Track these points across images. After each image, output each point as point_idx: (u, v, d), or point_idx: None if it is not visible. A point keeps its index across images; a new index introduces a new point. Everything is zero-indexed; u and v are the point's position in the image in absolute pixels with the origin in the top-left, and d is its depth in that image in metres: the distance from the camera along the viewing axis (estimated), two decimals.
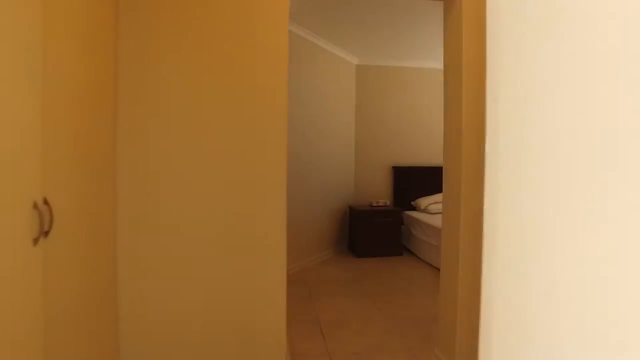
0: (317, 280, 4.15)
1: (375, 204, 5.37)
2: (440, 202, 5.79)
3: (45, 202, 1.17)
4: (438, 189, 6.04)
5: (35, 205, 1.11)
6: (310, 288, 3.88)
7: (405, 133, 5.84)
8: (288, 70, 2.09)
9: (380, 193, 5.83)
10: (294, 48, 3.99)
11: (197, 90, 2.00)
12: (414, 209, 5.77)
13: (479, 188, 1.38)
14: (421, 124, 5.86)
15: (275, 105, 2.07)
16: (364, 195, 5.78)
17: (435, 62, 5.63)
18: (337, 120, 5.20)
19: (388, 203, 5.43)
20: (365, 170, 5.77)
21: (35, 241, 1.11)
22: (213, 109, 2.02)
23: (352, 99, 5.56)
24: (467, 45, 2.11)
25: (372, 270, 4.51)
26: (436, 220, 4.83)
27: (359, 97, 5.69)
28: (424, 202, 5.45)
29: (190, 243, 2.02)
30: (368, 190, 5.79)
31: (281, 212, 2.09)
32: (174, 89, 1.98)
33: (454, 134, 2.26)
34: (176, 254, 2.01)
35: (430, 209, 5.35)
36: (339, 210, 5.36)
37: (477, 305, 0.92)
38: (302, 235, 4.50)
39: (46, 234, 1.17)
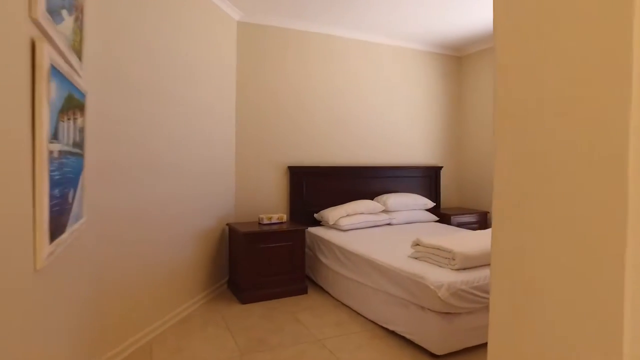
0: None
1: (265, 221, 3.69)
2: (359, 214, 4.32)
3: None
4: (353, 196, 4.64)
5: None
6: None
7: (308, 122, 4.29)
8: None
9: (273, 204, 4.17)
10: None
11: None
12: (319, 224, 4.24)
13: None
14: (331, 108, 4.39)
15: None
16: (249, 208, 4.06)
17: (355, 31, 4.23)
18: (208, 101, 3.39)
19: (284, 218, 3.80)
20: (251, 171, 4.06)
21: None
22: None
23: (232, 71, 3.82)
24: None
25: (263, 331, 2.81)
26: (353, 242, 3.34)
27: (242, 69, 3.97)
28: (333, 214, 3.95)
29: None
30: (255, 200, 4.09)
31: None
32: None
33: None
34: None
35: (342, 225, 3.86)
36: (211, 231, 3.55)
37: None
38: (144, 281, 2.60)
39: None
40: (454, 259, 2.50)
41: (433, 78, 5.05)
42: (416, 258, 2.80)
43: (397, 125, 4.83)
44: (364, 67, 4.59)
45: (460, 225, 4.58)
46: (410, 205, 4.45)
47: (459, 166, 5.31)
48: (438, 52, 5.06)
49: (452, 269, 2.50)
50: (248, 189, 4.04)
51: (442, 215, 4.63)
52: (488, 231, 3.07)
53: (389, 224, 4.25)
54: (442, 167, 5.02)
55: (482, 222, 4.75)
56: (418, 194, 4.84)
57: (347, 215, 3.99)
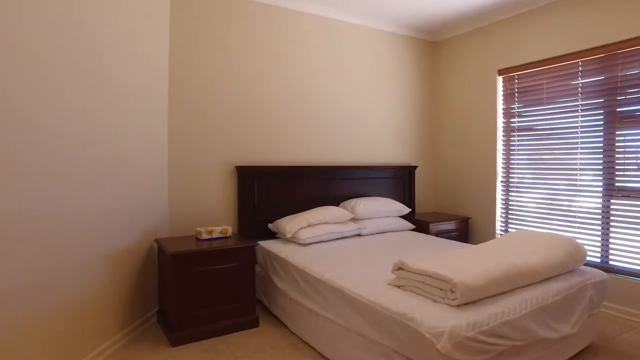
0: None
1: (205, 235, 2.90)
2: (324, 224, 3.31)
3: None
4: (316, 201, 3.78)
5: None
6: None
7: (261, 113, 3.54)
8: None
9: (216, 213, 3.38)
10: None
11: None
12: (274, 236, 3.49)
13: None
14: (288, 98, 3.65)
15: None
16: (186, 219, 3.25)
17: (316, 6, 3.53)
18: (129, 87, 2.55)
19: (229, 232, 3.02)
20: (188, 172, 3.25)
21: None
22: None
23: (162, 49, 2.99)
24: None
25: None
26: (317, 261, 2.62)
27: (177, 47, 3.15)
28: (291, 225, 3.22)
29: None
30: (194, 209, 3.28)
31: None
32: None
33: None
34: None
35: (303, 238, 3.14)
36: (135, 250, 2.71)
37: None
38: (34, 331, 1.75)
39: None
40: (453, 291, 1.84)
41: (406, 65, 4.43)
42: (399, 286, 2.13)
43: (366, 118, 4.16)
44: (327, 49, 3.88)
45: (439, 234, 3.98)
46: (382, 211, 3.80)
47: (436, 165, 4.72)
48: (411, 36, 4.45)
49: (452, 305, 1.83)
50: (184, 194, 3.22)
51: (419, 223, 4.01)
52: (487, 246, 2.45)
53: (358, 235, 3.57)
54: (416, 166, 4.41)
55: (464, 229, 4.18)
56: (390, 197, 4.21)
57: (309, 226, 3.27)
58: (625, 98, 3.13)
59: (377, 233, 3.69)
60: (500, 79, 3.98)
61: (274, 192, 3.54)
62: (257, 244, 3.23)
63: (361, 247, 3.12)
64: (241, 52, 3.42)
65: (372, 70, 4.17)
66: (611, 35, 3.12)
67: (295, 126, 3.71)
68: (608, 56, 3.20)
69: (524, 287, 2.10)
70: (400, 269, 2.14)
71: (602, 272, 2.50)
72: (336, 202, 3.87)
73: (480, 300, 1.90)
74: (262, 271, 3.19)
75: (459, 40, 4.35)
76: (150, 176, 2.89)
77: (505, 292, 2.01)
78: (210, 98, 3.31)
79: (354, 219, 3.65)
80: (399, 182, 4.32)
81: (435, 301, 1.91)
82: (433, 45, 4.64)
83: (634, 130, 3.12)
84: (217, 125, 3.34)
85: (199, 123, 3.26)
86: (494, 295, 1.96)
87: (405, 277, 2.08)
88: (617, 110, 3.18)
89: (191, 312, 2.59)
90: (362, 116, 4.13)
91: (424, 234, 3.72)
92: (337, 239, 3.40)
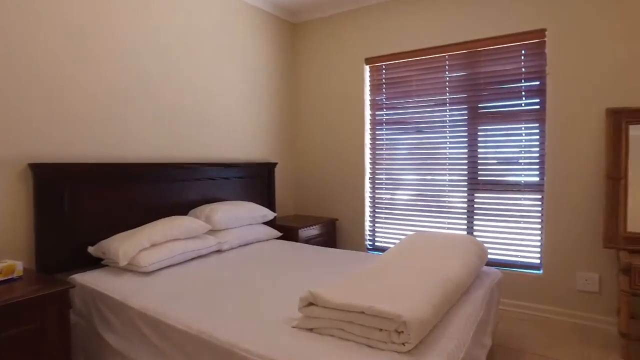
0: None
1: None
2: (173, 241, 2.23)
3: None
4: (157, 211, 2.76)
5: None
6: None
7: (71, 91, 2.37)
8: None
9: None
10: None
11: None
12: (99, 263, 2.39)
13: None
14: (113, 74, 2.56)
15: None
16: None
17: None
18: None
19: (18, 270, 1.86)
20: None
21: None
22: None
23: None
24: None
25: None
26: (174, 299, 1.75)
27: None
28: (126, 246, 2.22)
29: None
30: None
31: None
32: None
33: None
34: None
35: (145, 263, 2.20)
36: None
37: None
38: None
39: None
40: (400, 332, 1.31)
41: (263, 47, 3.80)
42: (311, 329, 1.50)
43: (215, 104, 3.38)
44: (165, 13, 2.95)
45: (308, 240, 3.49)
46: (245, 219, 3.08)
47: (297, 162, 4.23)
48: (268, 12, 3.84)
49: (401, 352, 1.30)
50: None
51: (285, 229, 3.44)
52: (398, 258, 2.01)
53: (219, 251, 2.78)
54: (276, 163, 3.83)
55: (331, 232, 3.79)
56: (247, 200, 3.52)
57: (153, 246, 2.34)
58: (486, 95, 3.19)
59: (240, 246, 2.96)
60: (367, 68, 3.72)
61: (94, 200, 2.45)
62: (71, 282, 2.13)
63: (230, 269, 2.36)
64: (42, 9, 2.23)
65: (220, 48, 3.40)
66: (474, 32, 3.14)
67: (124, 110, 2.68)
68: (471, 52, 3.22)
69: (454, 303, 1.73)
70: (311, 304, 1.51)
71: (496, 269, 2.37)
72: (184, 210, 2.98)
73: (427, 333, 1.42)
74: (81, 322, 2.10)
75: (323, 23, 3.95)
76: None
77: (444, 315, 1.59)
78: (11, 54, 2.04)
79: (212, 231, 2.84)
80: (256, 182, 3.66)
81: (372, 347, 1.34)
82: (294, 27, 4.14)
83: (493, 126, 3.20)
84: None
85: None
86: (438, 327, 1.51)
87: (322, 315, 1.46)
88: (479, 106, 3.23)
89: None
90: (211, 100, 3.33)
91: (296, 243, 3.17)
92: (193, 258, 2.56)
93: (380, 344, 1.33)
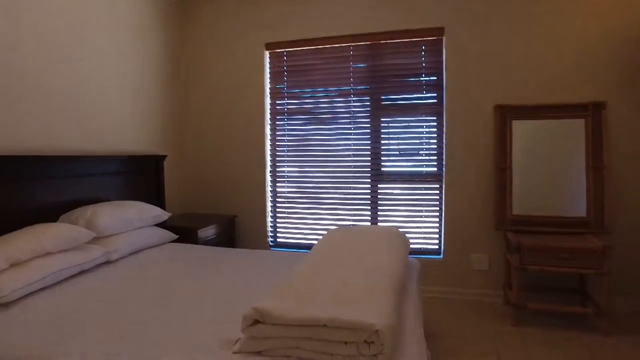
0: None
1: None
2: (45, 256, 1.80)
3: None
4: (20, 218, 2.05)
5: None
6: None
7: None
8: None
9: None
10: None
11: None
12: None
13: None
14: None
15: None
16: None
17: None
18: None
19: None
20: None
21: None
22: None
23: None
24: None
25: None
26: (54, 342, 1.33)
27: None
28: None
29: None
30: None
31: None
32: None
33: None
34: None
35: (4, 292, 1.65)
36: None
37: None
38: None
39: None
40: (371, 342, 1.16)
41: (148, 27, 3.26)
42: (258, 352, 1.26)
43: (93, 89, 2.79)
44: None
45: (207, 242, 3.14)
46: (134, 221, 2.60)
47: (189, 154, 3.78)
48: None
49: None
50: None
51: (180, 230, 3.02)
52: (335, 255, 1.86)
53: (107, 263, 2.29)
54: (165, 156, 3.35)
55: (230, 232, 3.49)
56: (135, 199, 3.01)
57: (12, 266, 1.78)
58: (388, 87, 3.25)
59: (132, 254, 2.49)
60: (267, 54, 3.48)
61: None
62: None
63: (128, 284, 1.94)
64: None
65: (104, 30, 2.81)
66: (378, 24, 3.16)
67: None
68: (375, 44, 3.24)
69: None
70: (257, 322, 1.27)
71: (413, 258, 2.41)
72: (55, 215, 2.38)
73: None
74: None
75: (219, 2, 3.56)
76: None
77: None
78: None
79: (95, 239, 2.32)
80: (142, 178, 3.15)
81: None
82: (182, 3, 3.65)
83: (394, 118, 3.29)
84: None
85: None
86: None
87: (274, 334, 1.24)
88: (382, 97, 3.28)
89: None
90: (88, 82, 2.73)
91: (197, 245, 2.81)
92: (73, 276, 2.04)
93: (348, 359, 1.17)
